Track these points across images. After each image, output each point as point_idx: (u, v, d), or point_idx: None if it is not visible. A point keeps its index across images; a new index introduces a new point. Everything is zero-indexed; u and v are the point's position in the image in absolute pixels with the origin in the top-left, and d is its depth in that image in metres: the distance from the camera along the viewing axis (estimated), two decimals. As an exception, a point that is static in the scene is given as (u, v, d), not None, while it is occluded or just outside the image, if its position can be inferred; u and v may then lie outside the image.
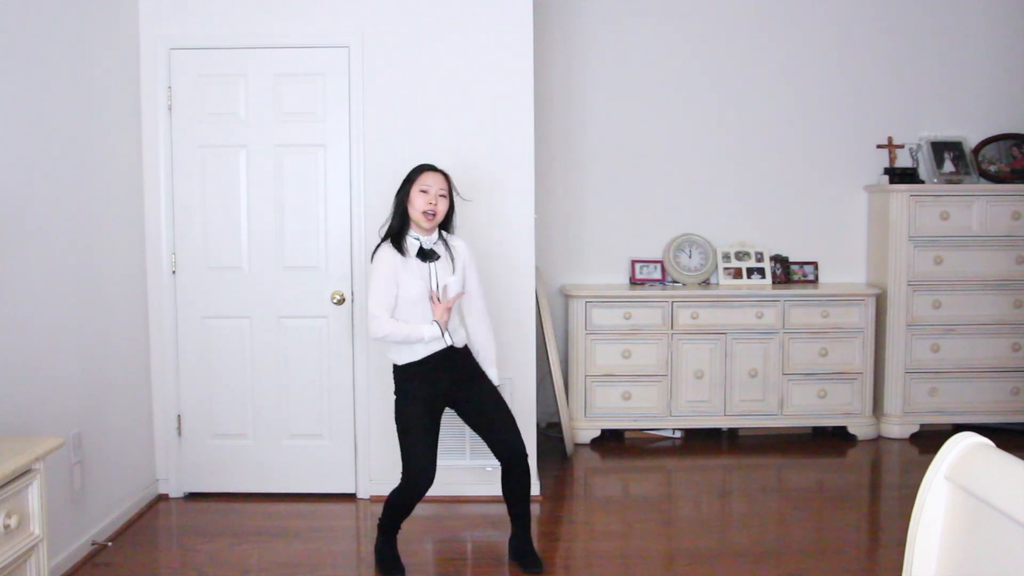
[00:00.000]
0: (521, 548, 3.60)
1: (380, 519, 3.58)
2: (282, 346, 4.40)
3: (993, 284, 5.40)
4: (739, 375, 5.36)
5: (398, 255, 3.42)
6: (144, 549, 3.86)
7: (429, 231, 3.46)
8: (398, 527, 3.58)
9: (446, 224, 3.53)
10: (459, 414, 3.57)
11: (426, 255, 3.44)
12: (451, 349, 3.46)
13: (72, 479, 3.63)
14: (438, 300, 3.41)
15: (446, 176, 3.50)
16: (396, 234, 3.45)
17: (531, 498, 3.60)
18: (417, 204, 3.41)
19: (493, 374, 3.56)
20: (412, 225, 3.46)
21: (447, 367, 3.46)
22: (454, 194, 3.53)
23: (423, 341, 3.39)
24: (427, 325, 3.39)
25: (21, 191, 3.30)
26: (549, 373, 5.00)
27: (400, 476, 3.46)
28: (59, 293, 3.56)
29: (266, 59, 4.31)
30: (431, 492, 4.22)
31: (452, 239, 3.55)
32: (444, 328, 3.40)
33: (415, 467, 3.38)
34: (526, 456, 3.51)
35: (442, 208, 3.43)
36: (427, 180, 3.43)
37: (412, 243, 3.46)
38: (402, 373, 3.47)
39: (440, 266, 3.46)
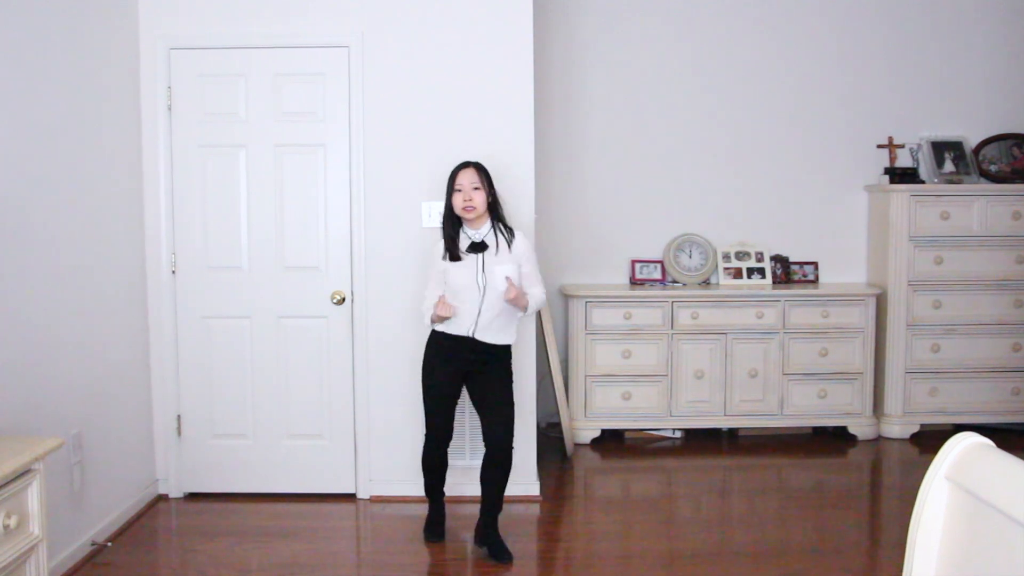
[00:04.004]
0: (489, 537, 3.74)
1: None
2: (282, 346, 4.40)
3: (993, 284, 5.40)
4: (739, 375, 5.35)
5: (445, 260, 3.70)
6: (144, 549, 3.86)
7: (476, 224, 3.69)
8: (435, 493, 3.95)
9: (495, 212, 3.73)
10: (467, 389, 3.81)
11: (475, 247, 3.68)
12: (473, 340, 3.69)
13: (72, 479, 3.63)
14: (444, 302, 3.69)
15: (478, 168, 3.71)
16: (451, 236, 3.70)
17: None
18: (456, 204, 3.68)
19: (530, 293, 3.74)
20: (464, 221, 3.71)
21: (466, 352, 3.70)
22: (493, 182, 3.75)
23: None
24: (427, 305, 3.75)
25: (21, 191, 3.30)
26: (549, 373, 4.99)
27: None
28: (59, 293, 3.56)
29: (266, 59, 4.30)
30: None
31: (513, 233, 3.75)
32: (434, 320, 3.71)
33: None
34: (510, 454, 3.70)
35: (478, 199, 3.65)
36: (460, 179, 3.67)
37: (464, 240, 3.71)
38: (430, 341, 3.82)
39: (489, 256, 3.67)
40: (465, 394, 3.87)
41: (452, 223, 3.71)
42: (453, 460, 4.35)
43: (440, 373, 3.75)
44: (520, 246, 3.75)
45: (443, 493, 4.00)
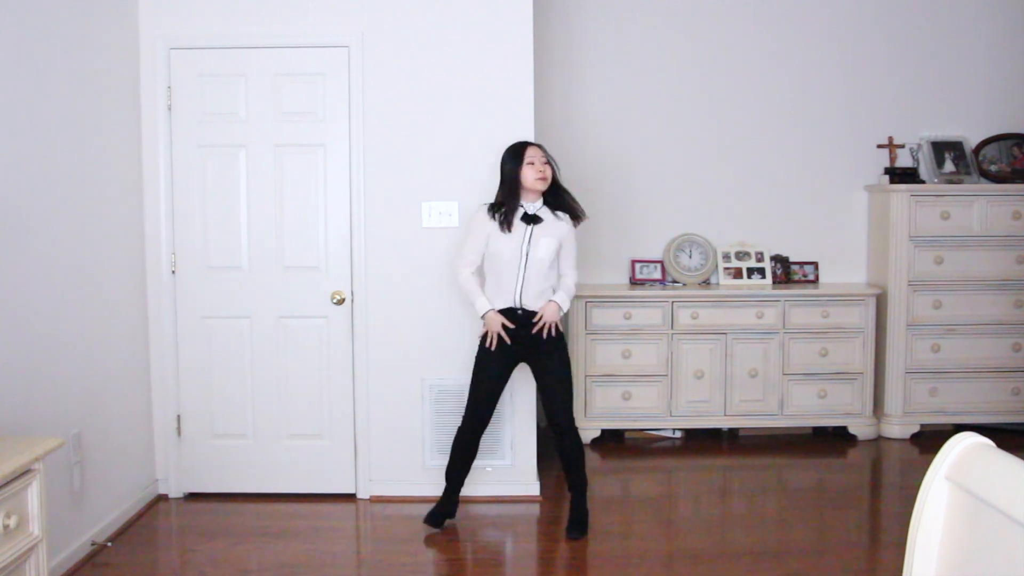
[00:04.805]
0: (570, 514, 3.98)
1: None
2: (282, 346, 4.40)
3: (993, 284, 5.40)
4: (739, 375, 5.35)
5: (493, 222, 3.87)
6: (144, 549, 3.87)
7: (532, 197, 3.89)
8: (454, 478, 4.02)
9: (556, 192, 3.94)
10: (534, 376, 4.03)
11: (529, 219, 3.86)
12: (515, 311, 3.88)
13: (72, 479, 3.63)
14: (504, 327, 3.87)
15: (540, 146, 3.95)
16: (500, 205, 3.88)
17: (583, 470, 4.01)
18: (529, 175, 3.85)
19: (557, 296, 3.92)
20: (523, 195, 3.87)
21: (517, 328, 3.87)
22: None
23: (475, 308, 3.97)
24: (482, 300, 3.90)
25: (21, 191, 3.30)
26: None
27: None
28: (59, 293, 3.56)
29: (266, 59, 4.30)
30: (432, 492, 4.22)
31: (560, 213, 3.94)
32: (490, 327, 3.89)
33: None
34: (570, 427, 3.91)
35: (549, 172, 3.89)
36: (531, 154, 3.87)
37: (519, 212, 3.88)
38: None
39: (538, 229, 3.87)
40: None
41: (513, 195, 3.86)
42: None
43: (491, 356, 3.91)
44: (566, 226, 3.94)
45: (461, 484, 4.04)
